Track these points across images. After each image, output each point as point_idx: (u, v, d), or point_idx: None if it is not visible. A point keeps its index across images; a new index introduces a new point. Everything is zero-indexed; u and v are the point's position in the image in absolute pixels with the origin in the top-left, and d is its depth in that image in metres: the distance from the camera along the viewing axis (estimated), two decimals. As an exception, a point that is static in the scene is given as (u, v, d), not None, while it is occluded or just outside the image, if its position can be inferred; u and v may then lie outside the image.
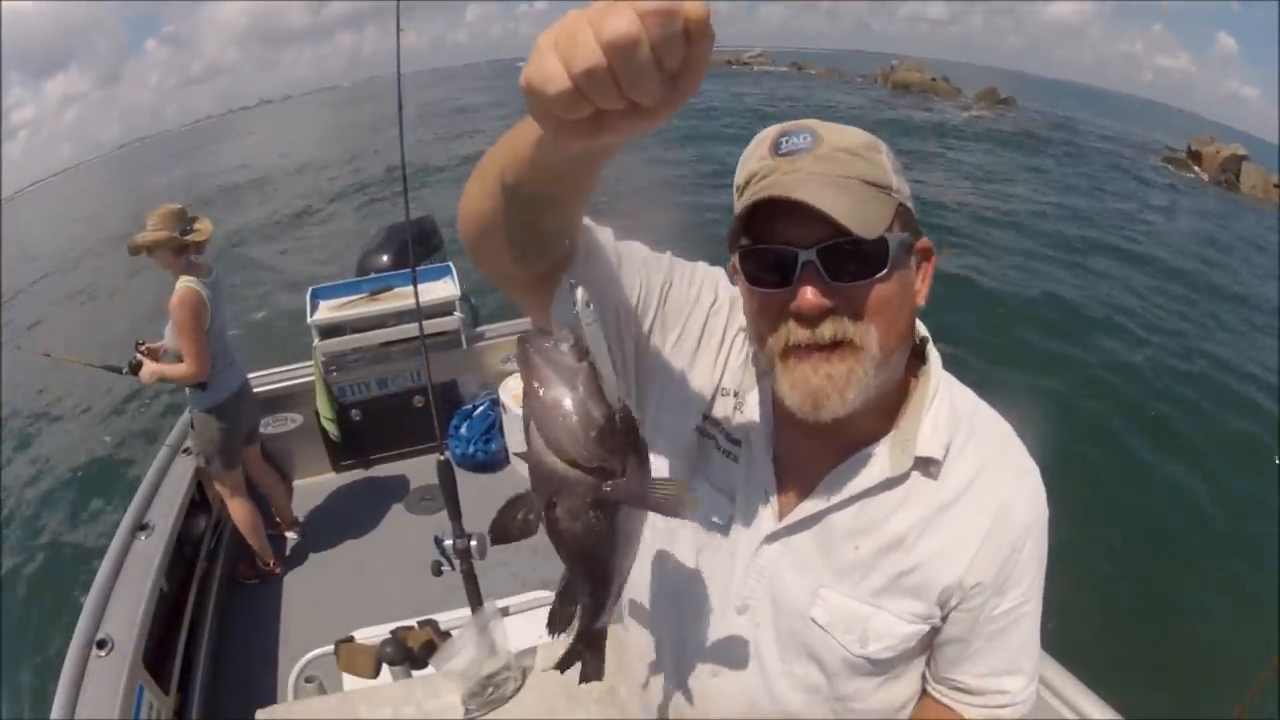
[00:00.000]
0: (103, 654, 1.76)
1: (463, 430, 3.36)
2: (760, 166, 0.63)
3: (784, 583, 0.73)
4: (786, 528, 0.72)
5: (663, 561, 0.80)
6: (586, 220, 0.68)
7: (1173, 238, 12.11)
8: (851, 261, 0.60)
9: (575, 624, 0.59)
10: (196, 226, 2.49)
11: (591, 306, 0.46)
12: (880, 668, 0.72)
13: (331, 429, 3.29)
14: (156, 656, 2.04)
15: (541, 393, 0.41)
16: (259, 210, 15.32)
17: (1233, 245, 12.27)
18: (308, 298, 3.32)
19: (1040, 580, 0.72)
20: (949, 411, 0.70)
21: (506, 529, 0.47)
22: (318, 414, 3.29)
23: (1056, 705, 1.38)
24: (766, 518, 0.73)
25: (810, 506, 0.71)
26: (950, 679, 0.75)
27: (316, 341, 3.22)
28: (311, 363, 3.26)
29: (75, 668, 1.70)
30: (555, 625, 0.56)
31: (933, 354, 0.73)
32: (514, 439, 3.25)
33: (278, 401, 3.29)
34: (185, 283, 2.43)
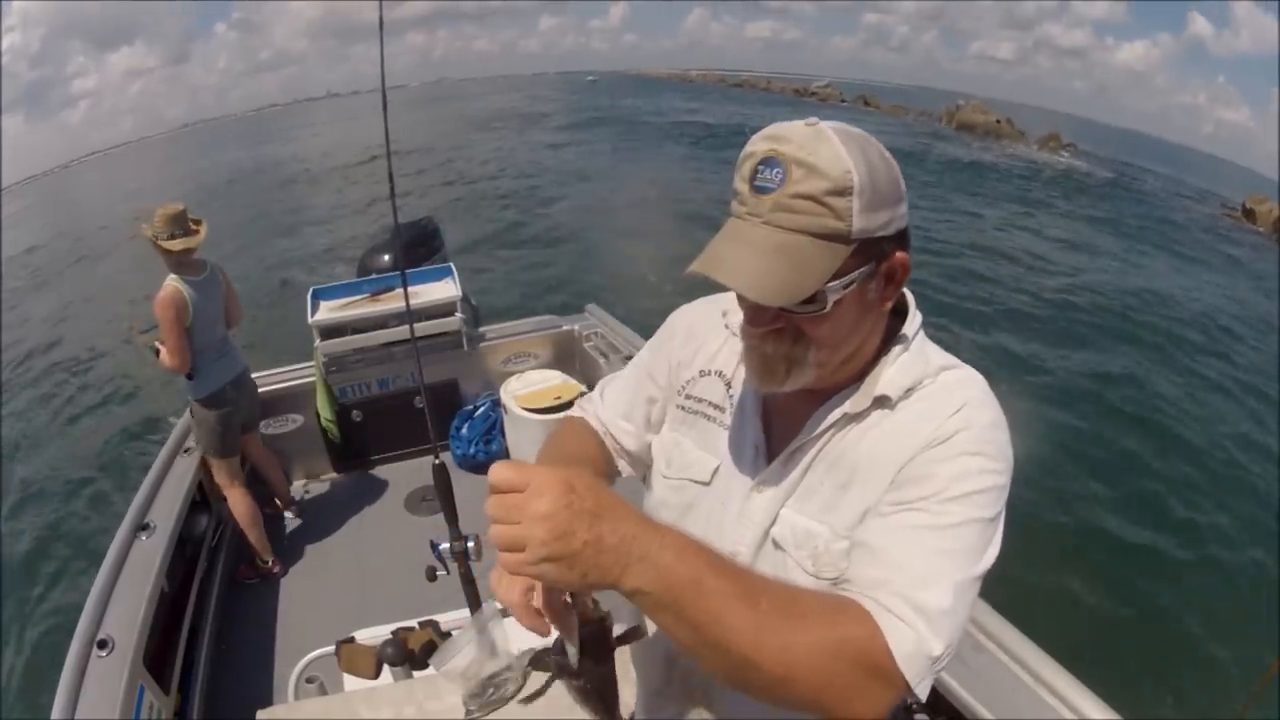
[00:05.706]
0: (103, 654, 1.75)
1: (464, 431, 3.36)
2: (738, 189, 0.67)
3: (764, 519, 0.78)
4: (768, 473, 0.78)
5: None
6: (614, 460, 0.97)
7: (1217, 291, 12.34)
8: None
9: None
10: (195, 229, 2.61)
11: None
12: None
13: (331, 429, 3.30)
14: (157, 657, 2.03)
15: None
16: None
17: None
18: (308, 298, 3.33)
19: (950, 498, 0.65)
20: (918, 361, 0.74)
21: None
22: (318, 415, 3.30)
23: (1056, 705, 1.38)
24: (757, 468, 0.79)
25: (787, 450, 0.77)
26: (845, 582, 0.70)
27: (318, 342, 3.22)
28: (313, 363, 3.27)
29: (75, 668, 1.69)
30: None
31: (913, 323, 0.76)
32: (515, 440, 3.26)
33: (279, 402, 3.29)
34: (169, 282, 2.57)
